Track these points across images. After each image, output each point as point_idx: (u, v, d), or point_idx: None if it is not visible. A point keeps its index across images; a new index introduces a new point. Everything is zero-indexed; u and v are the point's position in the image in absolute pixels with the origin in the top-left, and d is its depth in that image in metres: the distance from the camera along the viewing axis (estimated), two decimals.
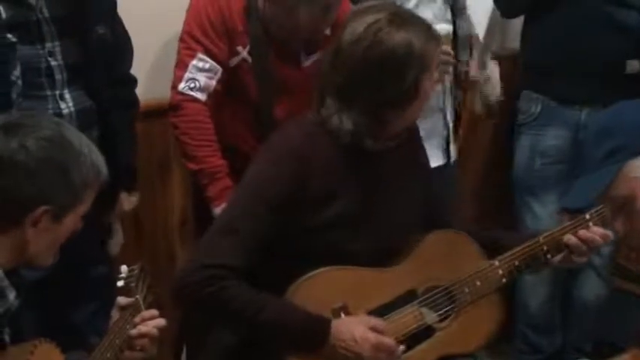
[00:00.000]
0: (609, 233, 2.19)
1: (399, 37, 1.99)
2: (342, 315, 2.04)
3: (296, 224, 2.04)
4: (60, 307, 2.38)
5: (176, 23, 2.59)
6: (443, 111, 2.96)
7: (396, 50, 1.99)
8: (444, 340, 2.16)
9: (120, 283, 1.94)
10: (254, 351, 2.08)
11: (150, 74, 2.76)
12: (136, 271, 1.96)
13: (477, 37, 3.25)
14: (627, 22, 2.95)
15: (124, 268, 1.97)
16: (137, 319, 1.90)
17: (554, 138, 3.13)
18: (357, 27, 2.02)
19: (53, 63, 2.25)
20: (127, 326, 1.88)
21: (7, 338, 1.77)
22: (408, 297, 2.13)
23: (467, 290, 2.16)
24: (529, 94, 3.17)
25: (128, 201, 2.56)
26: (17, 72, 2.16)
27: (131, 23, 2.50)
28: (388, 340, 2.03)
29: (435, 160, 2.79)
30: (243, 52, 2.55)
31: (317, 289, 2.04)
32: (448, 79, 2.91)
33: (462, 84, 3.07)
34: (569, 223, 2.20)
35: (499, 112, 3.37)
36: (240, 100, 2.60)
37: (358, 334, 2.00)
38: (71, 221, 1.81)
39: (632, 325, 2.72)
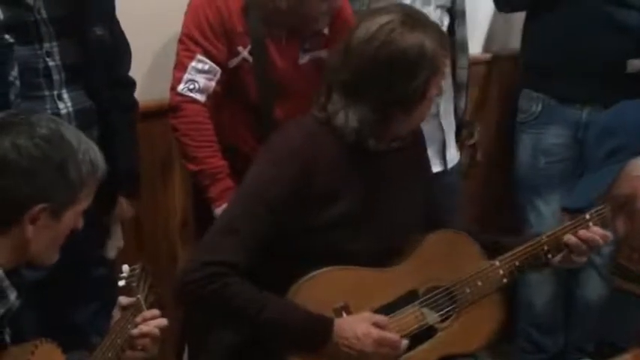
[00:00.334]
0: (609, 234, 2.19)
1: (411, 38, 2.00)
2: (344, 314, 2.04)
3: (297, 224, 2.04)
4: (61, 307, 2.37)
5: (175, 24, 2.58)
6: (437, 117, 2.95)
7: (408, 51, 2.00)
8: (446, 340, 2.16)
9: (121, 283, 1.94)
10: (256, 350, 2.08)
11: (149, 75, 2.76)
12: (137, 271, 1.96)
13: None
14: (627, 21, 2.96)
15: (125, 267, 1.97)
16: (138, 319, 1.90)
17: (555, 137, 3.14)
18: (370, 26, 2.03)
19: (51, 63, 2.24)
20: (129, 326, 1.88)
21: (7, 338, 1.77)
22: (409, 297, 2.13)
23: (468, 290, 2.16)
24: (529, 93, 3.18)
25: (129, 208, 2.56)
26: (15, 72, 2.16)
27: (131, 24, 2.50)
28: (391, 335, 2.03)
29: (433, 167, 2.79)
30: (244, 52, 2.54)
31: (318, 289, 2.04)
32: (446, 84, 2.91)
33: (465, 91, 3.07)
34: (569, 222, 2.21)
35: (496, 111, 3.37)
36: (239, 100, 2.60)
37: (360, 331, 2.00)
38: (71, 218, 1.81)
39: (632, 325, 2.72)
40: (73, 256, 1.94)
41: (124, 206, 2.53)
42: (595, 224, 2.19)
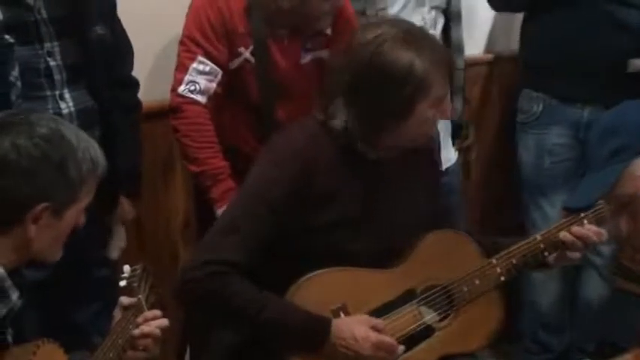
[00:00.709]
0: (603, 231, 2.20)
1: (402, 53, 2.01)
2: (342, 315, 2.05)
3: (298, 224, 2.05)
4: (62, 307, 2.37)
5: (177, 24, 2.58)
6: None
7: (395, 65, 2.00)
8: (444, 340, 2.16)
9: (122, 283, 1.94)
10: (256, 350, 2.09)
11: (151, 75, 2.76)
12: (138, 271, 1.97)
13: None
14: (628, 20, 2.94)
15: (126, 267, 1.98)
16: (140, 319, 1.90)
17: (557, 136, 3.12)
18: (368, 34, 2.05)
19: (52, 63, 2.24)
20: (130, 326, 1.88)
21: (9, 338, 1.77)
22: (407, 296, 2.14)
23: (465, 289, 2.17)
24: (529, 93, 3.16)
25: (131, 209, 2.56)
26: (16, 73, 2.16)
27: (132, 24, 2.50)
28: (389, 339, 2.04)
29: None
30: (246, 53, 2.54)
31: (316, 289, 2.05)
32: None
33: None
34: (564, 220, 2.22)
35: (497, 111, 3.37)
36: (240, 101, 2.60)
37: (359, 333, 2.01)
38: (72, 216, 1.81)
39: (633, 325, 2.71)
40: (75, 256, 1.94)
41: (126, 207, 2.53)
42: (590, 222, 2.19)
